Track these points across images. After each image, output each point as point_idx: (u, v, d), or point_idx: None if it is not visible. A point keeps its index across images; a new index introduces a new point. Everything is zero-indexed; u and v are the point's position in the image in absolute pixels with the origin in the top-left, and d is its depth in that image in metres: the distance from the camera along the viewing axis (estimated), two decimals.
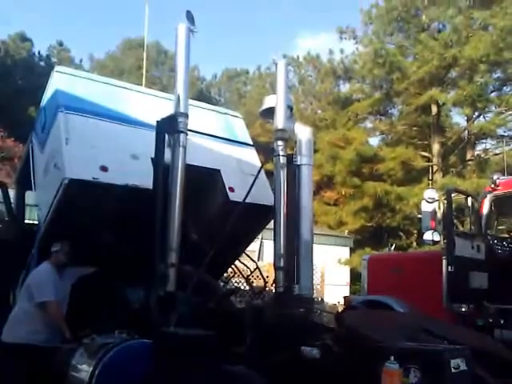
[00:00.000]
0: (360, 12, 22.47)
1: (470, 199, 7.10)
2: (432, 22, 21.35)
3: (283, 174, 5.30)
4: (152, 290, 4.50)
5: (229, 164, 6.03)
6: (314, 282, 5.77)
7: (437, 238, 6.18)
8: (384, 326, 4.17)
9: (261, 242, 15.40)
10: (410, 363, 3.28)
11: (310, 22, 73.97)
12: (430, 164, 21.27)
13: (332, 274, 17.83)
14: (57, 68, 6.15)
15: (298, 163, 5.40)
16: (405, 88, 20.69)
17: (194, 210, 5.23)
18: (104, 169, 5.10)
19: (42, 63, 37.48)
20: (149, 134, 5.04)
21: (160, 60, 42.42)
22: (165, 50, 41.25)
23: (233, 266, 6.69)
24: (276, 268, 5.17)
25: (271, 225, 5.44)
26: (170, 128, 4.80)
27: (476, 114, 20.97)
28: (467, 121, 22.11)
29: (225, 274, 6.96)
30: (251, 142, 6.81)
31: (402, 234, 24.19)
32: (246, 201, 5.14)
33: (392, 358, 3.21)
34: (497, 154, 21.08)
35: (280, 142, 5.37)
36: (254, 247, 12.92)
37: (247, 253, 6.70)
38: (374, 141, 26.69)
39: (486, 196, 7.19)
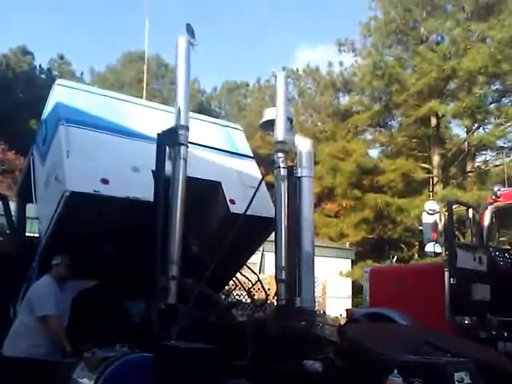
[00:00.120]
0: (359, 24, 22.72)
1: (471, 211, 7.09)
2: (430, 34, 21.54)
3: (284, 186, 5.29)
4: (153, 303, 4.47)
5: (229, 176, 6.04)
6: (315, 294, 5.74)
7: (438, 249, 6.17)
8: (386, 339, 4.14)
9: (262, 254, 15.37)
10: (413, 376, 3.24)
11: (308, 34, 74.62)
12: (431, 176, 21.32)
13: (334, 287, 17.75)
14: (58, 81, 6.19)
15: (299, 175, 5.39)
16: (404, 100, 20.80)
17: (194, 222, 5.22)
18: (105, 181, 5.11)
19: (43, 76, 37.67)
20: (149, 146, 5.05)
21: (160, 73, 42.63)
22: (165, 63, 41.48)
23: (234, 279, 6.66)
24: (277, 280, 5.14)
25: (272, 237, 5.42)
26: (170, 140, 4.81)
27: (475, 125, 21.06)
28: (467, 132, 22.17)
29: (226, 287, 6.94)
30: (252, 154, 6.83)
31: (403, 245, 24.15)
32: (247, 213, 5.13)
33: (395, 371, 3.19)
34: (497, 166, 21.11)
35: (280, 154, 5.37)
36: (255, 259, 12.89)
37: (248, 265, 6.67)
38: (374, 153, 26.80)
39: (487, 207, 7.17)
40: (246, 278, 6.62)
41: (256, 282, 6.58)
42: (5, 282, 5.62)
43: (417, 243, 22.10)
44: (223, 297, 6.73)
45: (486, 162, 22.78)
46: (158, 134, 4.86)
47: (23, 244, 6.51)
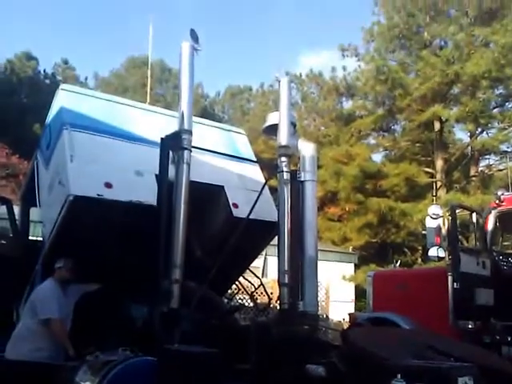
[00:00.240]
0: (362, 29, 22.72)
1: (474, 215, 7.08)
2: (434, 39, 21.55)
3: (287, 190, 5.29)
4: (156, 307, 4.48)
5: (232, 180, 6.05)
6: (318, 298, 5.73)
7: (442, 254, 6.16)
8: (390, 344, 4.12)
9: (265, 258, 15.33)
10: (416, 381, 3.23)
11: (312, 40, 74.76)
12: (434, 180, 21.27)
13: (337, 291, 17.70)
14: (62, 86, 6.23)
15: (302, 179, 5.39)
16: (407, 104, 20.78)
17: (197, 226, 5.23)
18: (108, 185, 5.12)
19: (47, 81, 37.75)
20: (153, 150, 5.06)
21: (164, 78, 42.73)
22: (169, 67, 41.55)
23: (237, 283, 6.66)
24: (280, 284, 5.14)
25: (275, 241, 5.42)
26: (174, 145, 4.82)
27: (479, 129, 21.04)
28: (470, 137, 22.16)
29: (229, 291, 6.93)
30: (255, 159, 6.83)
31: (406, 250, 24.08)
32: (250, 217, 5.14)
33: (399, 375, 3.18)
34: (500, 170, 21.08)
35: (283, 159, 5.37)
36: (258, 263, 12.86)
37: (251, 269, 6.67)
38: (378, 157, 26.70)
39: (490, 212, 7.16)
40: (249, 281, 6.61)
41: (259, 286, 6.56)
42: (8, 285, 5.64)
43: (420, 247, 22.03)
44: (226, 301, 6.73)
45: (489, 166, 22.75)
46: (162, 139, 4.87)
47: (27, 247, 6.54)
